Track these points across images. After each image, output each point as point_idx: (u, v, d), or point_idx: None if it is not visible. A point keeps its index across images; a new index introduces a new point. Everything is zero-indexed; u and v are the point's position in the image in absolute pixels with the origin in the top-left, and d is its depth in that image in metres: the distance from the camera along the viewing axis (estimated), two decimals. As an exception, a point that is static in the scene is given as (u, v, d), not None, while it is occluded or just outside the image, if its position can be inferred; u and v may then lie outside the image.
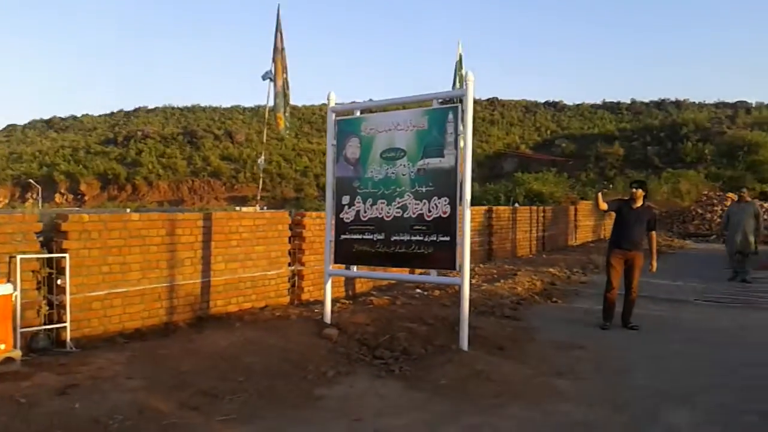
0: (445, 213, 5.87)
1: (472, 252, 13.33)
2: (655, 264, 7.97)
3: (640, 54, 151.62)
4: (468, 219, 5.81)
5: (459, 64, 13.82)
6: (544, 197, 24.71)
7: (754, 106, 73.19)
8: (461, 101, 5.88)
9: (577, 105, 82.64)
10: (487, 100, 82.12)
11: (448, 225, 5.85)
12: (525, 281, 10.64)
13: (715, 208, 24.66)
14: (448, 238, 5.86)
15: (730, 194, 26.07)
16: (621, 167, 51.07)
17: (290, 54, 11.30)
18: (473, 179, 6.31)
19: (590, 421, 4.54)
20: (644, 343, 7.03)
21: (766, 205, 23.87)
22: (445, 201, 5.87)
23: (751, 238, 12.17)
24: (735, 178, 37.93)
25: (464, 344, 5.90)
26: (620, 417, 4.63)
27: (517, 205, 19.03)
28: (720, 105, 74.72)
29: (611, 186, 29.79)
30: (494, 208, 14.98)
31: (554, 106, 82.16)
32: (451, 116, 5.87)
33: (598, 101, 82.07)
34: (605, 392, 5.20)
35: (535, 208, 17.40)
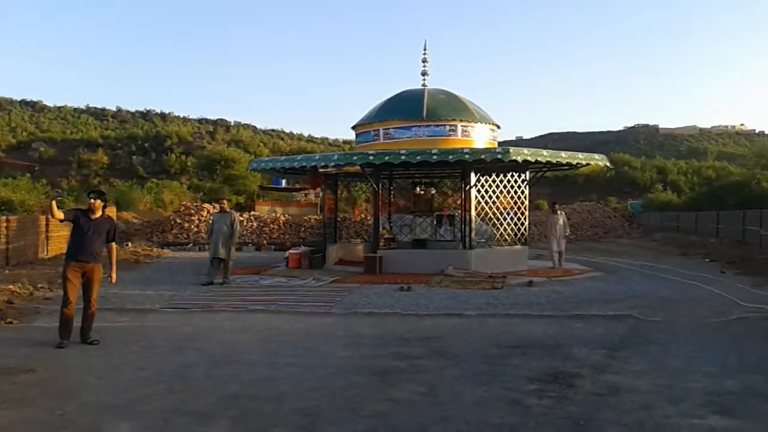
0: None
1: None
2: (114, 275, 7.82)
3: (125, 62, 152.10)
4: None
5: None
6: (14, 206, 22.26)
7: (232, 124, 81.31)
8: None
9: (59, 107, 77.89)
10: (-52, 91, 70.27)
11: None
12: (-28, 303, 9.19)
13: (193, 218, 26.15)
14: None
15: (206, 205, 28.06)
16: (106, 175, 50.02)
17: None
18: None
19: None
20: (102, 357, 6.77)
21: (243, 216, 26.47)
22: None
23: (224, 246, 13.19)
24: (214, 189, 41.17)
25: None
26: (55, 444, 4.25)
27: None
28: (203, 121, 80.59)
29: (68, 195, 28.43)
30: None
31: (32, 106, 75.62)
32: None
33: (83, 105, 79.21)
34: (43, 418, 4.74)
35: (-4, 218, 15.40)
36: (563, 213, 17.38)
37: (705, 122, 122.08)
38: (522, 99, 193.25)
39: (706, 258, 19.35)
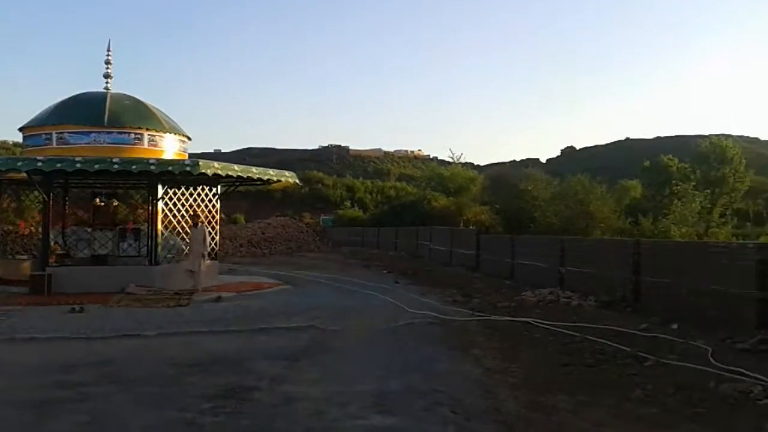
0: None
1: None
2: None
3: None
4: None
5: None
6: None
7: None
8: None
9: None
10: None
11: None
12: None
13: None
14: None
15: None
16: None
17: None
18: None
19: None
20: None
21: None
22: None
23: None
24: None
25: None
26: None
27: None
28: None
29: None
30: None
31: None
32: None
33: None
34: None
35: None
36: (206, 227, 15.04)
37: (389, 146, 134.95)
38: (222, 113, 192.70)
39: (384, 270, 21.14)
